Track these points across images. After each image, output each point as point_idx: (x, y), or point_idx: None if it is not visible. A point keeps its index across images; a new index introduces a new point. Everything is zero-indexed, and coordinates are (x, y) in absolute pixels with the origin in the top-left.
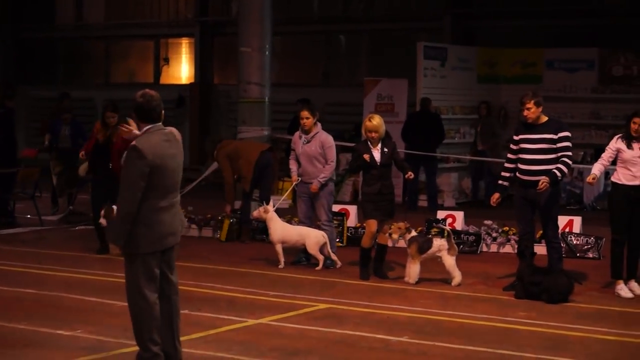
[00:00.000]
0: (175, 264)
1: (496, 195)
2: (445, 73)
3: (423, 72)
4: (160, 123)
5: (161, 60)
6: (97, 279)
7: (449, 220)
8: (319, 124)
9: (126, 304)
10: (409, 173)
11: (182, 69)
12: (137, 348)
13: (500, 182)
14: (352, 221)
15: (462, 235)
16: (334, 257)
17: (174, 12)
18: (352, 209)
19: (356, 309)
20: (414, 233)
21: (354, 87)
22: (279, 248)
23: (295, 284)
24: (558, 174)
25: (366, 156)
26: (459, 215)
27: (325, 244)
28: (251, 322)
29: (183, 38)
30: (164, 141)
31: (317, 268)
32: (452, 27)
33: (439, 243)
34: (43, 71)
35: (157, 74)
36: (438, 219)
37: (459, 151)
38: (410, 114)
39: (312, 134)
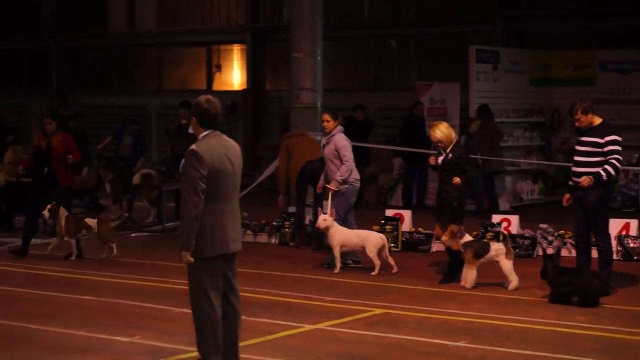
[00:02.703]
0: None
1: (567, 196)
2: (497, 76)
3: (476, 75)
4: (218, 130)
5: (213, 66)
6: (154, 285)
7: (504, 224)
8: (339, 127)
9: (183, 310)
10: (454, 178)
11: (234, 76)
12: (196, 354)
13: (569, 182)
14: (406, 226)
15: (517, 239)
16: (391, 261)
17: (225, 19)
18: (407, 214)
19: (413, 313)
20: (468, 238)
21: (405, 91)
22: (337, 252)
23: (351, 289)
24: (603, 174)
25: (431, 159)
26: (514, 219)
27: (383, 246)
28: (308, 327)
29: (235, 45)
30: (221, 146)
31: (373, 273)
32: (503, 29)
33: (496, 247)
34: (96, 79)
35: (210, 80)
36: (493, 223)
37: (513, 154)
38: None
39: (329, 136)
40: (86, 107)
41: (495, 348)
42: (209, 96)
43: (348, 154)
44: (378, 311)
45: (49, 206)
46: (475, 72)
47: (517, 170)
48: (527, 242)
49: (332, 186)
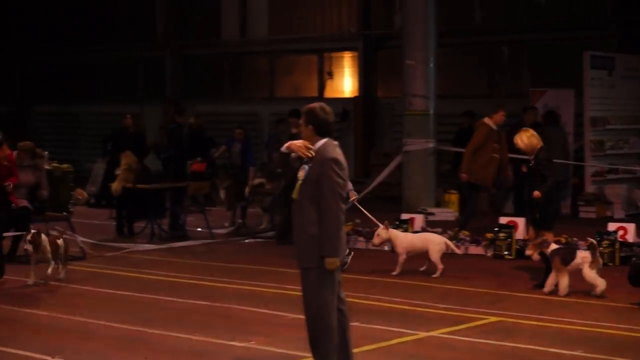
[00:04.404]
0: None
1: None
2: (612, 82)
3: (590, 82)
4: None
5: (325, 74)
6: (268, 290)
7: (620, 232)
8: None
9: (298, 315)
10: (534, 192)
11: (346, 83)
12: (311, 359)
13: None
14: (520, 233)
15: (634, 248)
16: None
17: (337, 26)
18: (521, 221)
19: (527, 322)
20: (554, 246)
21: (518, 97)
22: (402, 259)
23: (464, 296)
24: None
25: (523, 167)
26: (630, 227)
27: (445, 249)
28: (422, 334)
29: (346, 52)
30: (341, 153)
31: (434, 275)
32: (618, 35)
33: (582, 255)
34: (208, 87)
35: (321, 87)
36: (609, 231)
37: (628, 162)
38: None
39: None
40: (198, 114)
41: (613, 358)
42: (323, 104)
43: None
44: (492, 319)
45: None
46: (589, 79)
47: (632, 177)
48: None
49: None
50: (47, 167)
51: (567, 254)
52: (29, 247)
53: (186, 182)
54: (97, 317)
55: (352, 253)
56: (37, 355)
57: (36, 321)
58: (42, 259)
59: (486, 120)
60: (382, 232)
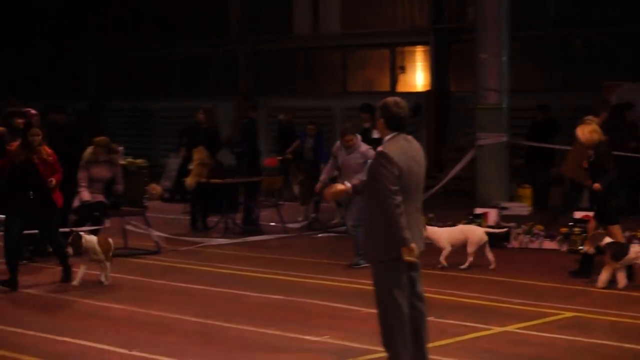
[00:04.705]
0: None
1: None
2: None
3: None
4: (404, 132)
5: (397, 68)
6: (342, 285)
7: None
8: (359, 139)
9: (372, 310)
10: (594, 185)
11: (418, 77)
12: (385, 354)
13: None
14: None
15: None
16: (491, 257)
17: (409, 20)
18: None
19: (603, 317)
20: (608, 239)
21: (592, 91)
22: (447, 252)
23: (538, 291)
24: None
25: (584, 162)
26: None
27: (486, 242)
28: (496, 329)
29: (418, 46)
30: (408, 147)
31: (462, 267)
32: None
33: (635, 250)
34: (281, 81)
35: (394, 82)
36: None
37: None
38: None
39: (351, 149)
40: (271, 109)
41: None
42: (398, 98)
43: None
44: (568, 314)
45: (69, 240)
46: None
47: None
48: None
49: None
50: (121, 162)
51: (619, 249)
52: (69, 249)
53: (260, 176)
54: (173, 311)
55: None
56: (114, 349)
57: (113, 315)
58: (95, 259)
59: (592, 117)
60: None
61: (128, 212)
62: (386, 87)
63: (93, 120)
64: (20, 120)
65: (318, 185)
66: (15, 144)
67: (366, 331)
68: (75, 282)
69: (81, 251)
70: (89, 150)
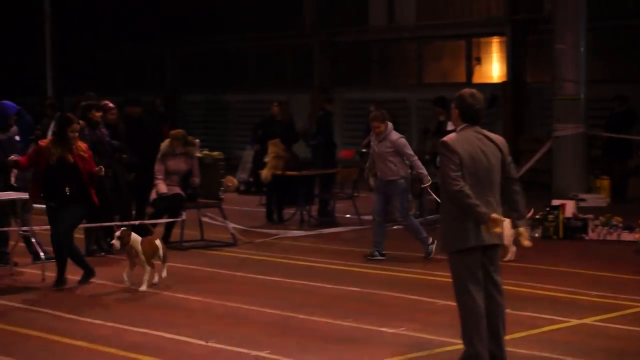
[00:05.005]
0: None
1: None
2: None
3: None
4: (478, 124)
5: (473, 59)
6: (418, 277)
7: None
8: (391, 126)
9: (448, 302)
10: None
11: (494, 68)
12: (462, 346)
13: None
14: None
15: None
16: (514, 249)
17: (485, 11)
18: None
19: None
20: None
21: None
22: None
23: (616, 283)
24: None
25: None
26: None
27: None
28: (574, 322)
29: (494, 37)
30: (476, 138)
31: (505, 259)
32: None
33: None
34: (356, 74)
35: (469, 73)
36: None
37: None
38: None
39: (382, 136)
40: (346, 101)
41: None
42: (474, 90)
43: (410, 150)
44: None
45: (118, 233)
46: None
47: None
48: None
49: (427, 183)
50: (198, 154)
51: None
52: (117, 242)
53: (335, 168)
54: (249, 303)
55: (435, 242)
56: (191, 340)
57: (190, 306)
58: (137, 262)
59: None
60: None
61: (204, 205)
62: (462, 78)
63: (168, 113)
64: (98, 114)
65: (365, 175)
66: (46, 140)
67: (442, 323)
68: (142, 287)
69: (126, 247)
70: (166, 143)
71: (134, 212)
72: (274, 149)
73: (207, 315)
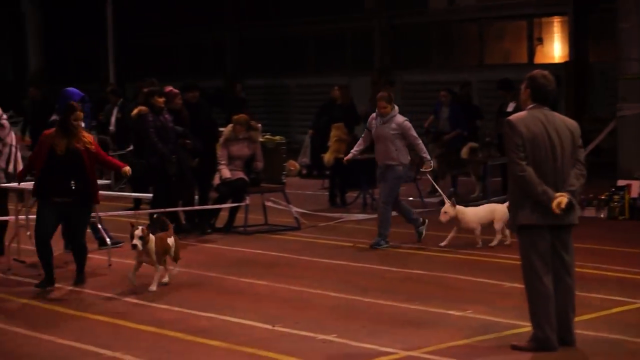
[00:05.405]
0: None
1: None
2: None
3: None
4: (546, 107)
5: (535, 39)
6: (483, 260)
7: None
8: (396, 108)
9: (514, 284)
10: None
11: (556, 48)
12: (529, 329)
13: None
14: None
15: None
16: (508, 232)
17: None
18: None
19: None
20: None
21: None
22: (479, 232)
23: None
24: None
25: None
26: None
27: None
28: None
29: (556, 17)
30: (542, 119)
31: (492, 244)
32: None
33: None
34: (416, 56)
35: (531, 54)
36: None
37: None
38: None
39: (387, 117)
40: (406, 84)
41: None
42: (546, 72)
43: (415, 133)
44: None
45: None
46: None
47: None
48: None
49: (428, 167)
50: (260, 139)
51: None
52: (139, 242)
53: None
54: (314, 287)
55: (427, 222)
56: (257, 324)
57: (255, 291)
58: (147, 261)
59: None
60: (450, 209)
61: (268, 189)
62: (523, 59)
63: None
64: (160, 99)
65: (347, 157)
66: (49, 130)
67: (509, 306)
68: (152, 287)
69: (146, 246)
70: (229, 128)
71: (196, 197)
72: (336, 132)
73: (273, 299)
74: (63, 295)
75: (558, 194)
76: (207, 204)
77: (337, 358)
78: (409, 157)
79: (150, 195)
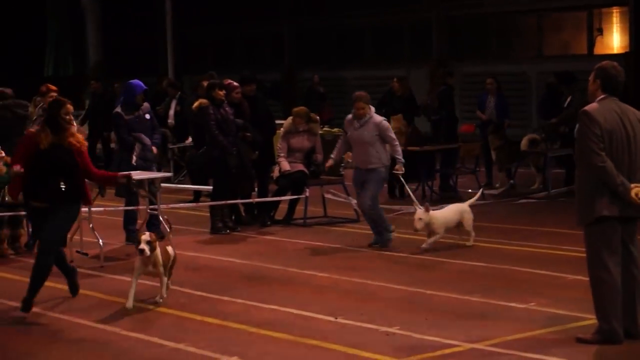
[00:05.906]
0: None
1: None
2: None
3: None
4: (616, 97)
5: (594, 30)
6: (544, 252)
7: None
8: (372, 109)
9: (577, 277)
10: None
11: (616, 39)
12: (594, 321)
13: None
14: None
15: None
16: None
17: None
18: None
19: None
20: None
21: None
22: (439, 237)
23: None
24: None
25: None
26: None
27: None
28: None
29: (615, 7)
30: (617, 109)
31: (469, 244)
32: None
33: None
34: (474, 47)
35: (591, 45)
36: None
37: None
38: None
39: (363, 120)
40: (464, 75)
41: None
42: (615, 63)
43: (392, 133)
44: None
45: (144, 236)
46: None
47: None
48: None
49: (399, 170)
50: (319, 131)
51: None
52: (146, 247)
53: (457, 143)
54: (375, 279)
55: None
56: (320, 316)
57: (318, 283)
58: (152, 272)
59: None
60: (424, 215)
61: (327, 181)
62: (583, 50)
63: (287, 90)
64: (221, 92)
65: (328, 163)
66: (34, 128)
67: (573, 298)
68: (159, 299)
69: (154, 253)
70: (289, 120)
71: (255, 189)
72: (396, 124)
73: (335, 291)
74: (126, 288)
75: (633, 184)
76: (266, 197)
77: (400, 350)
78: (389, 157)
79: (210, 187)
